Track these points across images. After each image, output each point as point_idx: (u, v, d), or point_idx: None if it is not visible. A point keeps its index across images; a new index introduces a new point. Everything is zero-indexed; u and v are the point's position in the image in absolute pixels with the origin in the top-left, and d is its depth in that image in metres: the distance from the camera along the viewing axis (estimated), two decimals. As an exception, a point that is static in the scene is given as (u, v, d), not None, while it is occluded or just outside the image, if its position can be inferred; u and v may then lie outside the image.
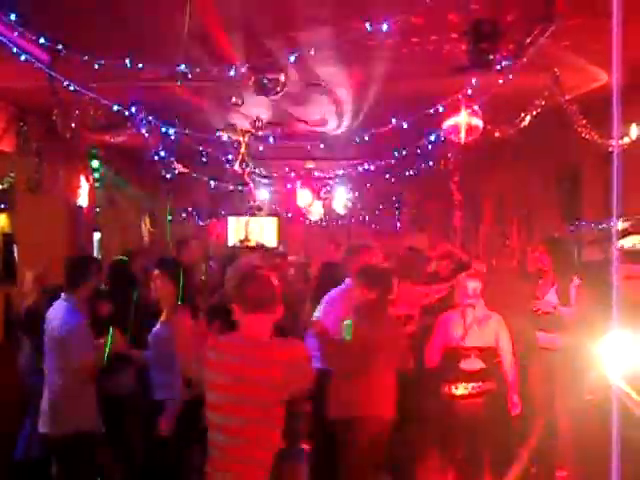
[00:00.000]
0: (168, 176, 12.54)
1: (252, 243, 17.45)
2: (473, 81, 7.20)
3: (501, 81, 7.10)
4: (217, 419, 3.78)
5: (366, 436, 5.45)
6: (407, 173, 13.84)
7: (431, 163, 12.62)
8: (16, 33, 5.77)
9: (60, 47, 6.04)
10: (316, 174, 15.93)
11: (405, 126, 8.45)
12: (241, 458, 3.72)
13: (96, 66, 6.24)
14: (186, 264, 6.52)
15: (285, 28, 6.51)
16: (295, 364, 3.85)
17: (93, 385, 5.71)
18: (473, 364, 6.29)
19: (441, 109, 7.86)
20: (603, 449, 2.41)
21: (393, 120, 8.50)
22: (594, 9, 5.69)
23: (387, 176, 14.78)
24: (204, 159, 11.97)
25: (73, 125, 8.03)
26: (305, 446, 7.12)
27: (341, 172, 15.10)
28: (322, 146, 11.64)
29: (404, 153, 10.77)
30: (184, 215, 17.50)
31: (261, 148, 11.17)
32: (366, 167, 13.07)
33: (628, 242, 8.28)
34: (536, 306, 7.07)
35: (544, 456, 6.67)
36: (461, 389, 6.30)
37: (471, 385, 6.27)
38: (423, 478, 7.05)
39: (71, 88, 6.84)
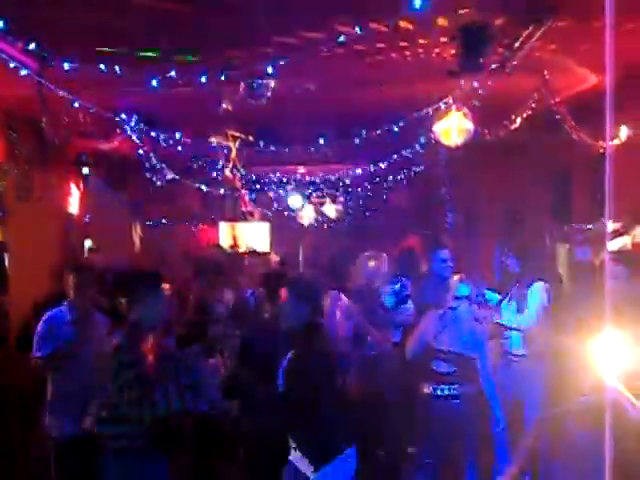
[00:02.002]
0: (159, 182, 12.52)
1: (242, 249, 17.42)
2: (463, 84, 7.22)
3: (491, 84, 7.12)
4: None
5: None
6: (398, 176, 13.85)
7: (422, 166, 12.63)
8: (4, 41, 5.76)
9: (48, 54, 6.04)
10: (307, 178, 15.95)
11: (396, 130, 8.47)
12: None
13: (85, 73, 6.24)
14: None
15: (274, 32, 6.51)
16: None
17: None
18: (443, 366, 6.26)
19: (432, 112, 7.88)
20: (596, 448, 2.42)
21: (384, 124, 8.52)
22: (583, 12, 5.72)
23: (378, 179, 14.79)
24: (195, 165, 11.95)
25: (62, 132, 8.02)
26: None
27: (332, 176, 15.11)
28: (313, 150, 11.62)
29: (395, 156, 10.79)
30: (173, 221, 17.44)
31: (252, 153, 11.15)
32: (357, 171, 13.09)
33: (618, 243, 8.31)
34: None
35: (538, 457, 6.68)
36: (437, 390, 6.28)
37: (445, 387, 6.26)
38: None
39: (60, 95, 6.83)
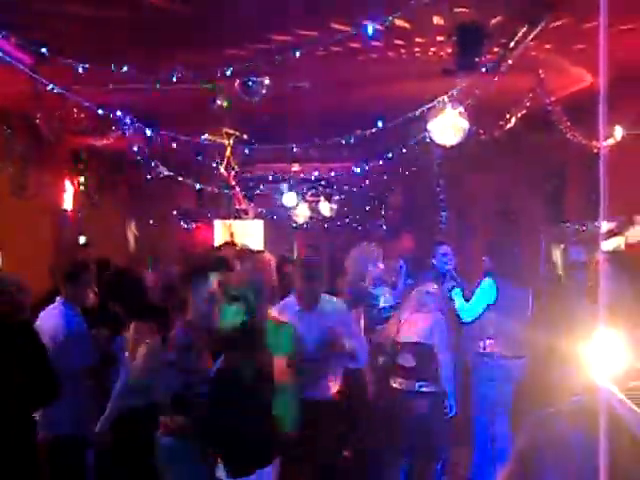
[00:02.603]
0: (153, 180, 12.49)
1: (238, 246, 17.35)
2: (459, 83, 7.21)
3: (486, 83, 7.13)
4: None
5: None
6: (393, 175, 13.85)
7: (417, 165, 12.62)
8: (-1, 36, 5.75)
9: (44, 50, 6.01)
10: (302, 176, 15.94)
11: (391, 128, 8.46)
12: None
13: (80, 69, 6.21)
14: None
15: (269, 31, 6.51)
16: None
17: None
18: (406, 360, 6.36)
19: (427, 111, 7.87)
20: (590, 450, 2.42)
21: (379, 122, 8.50)
22: (578, 12, 5.72)
23: (373, 178, 14.80)
24: (190, 163, 11.93)
25: (57, 128, 7.99)
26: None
27: (327, 175, 15.10)
28: (308, 148, 11.59)
29: (390, 155, 10.78)
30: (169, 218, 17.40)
31: (247, 151, 11.12)
32: (352, 170, 13.06)
33: (612, 243, 8.32)
34: None
35: (527, 458, 6.68)
36: (398, 383, 6.38)
37: (408, 382, 6.34)
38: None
39: (55, 91, 6.80)
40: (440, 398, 6.39)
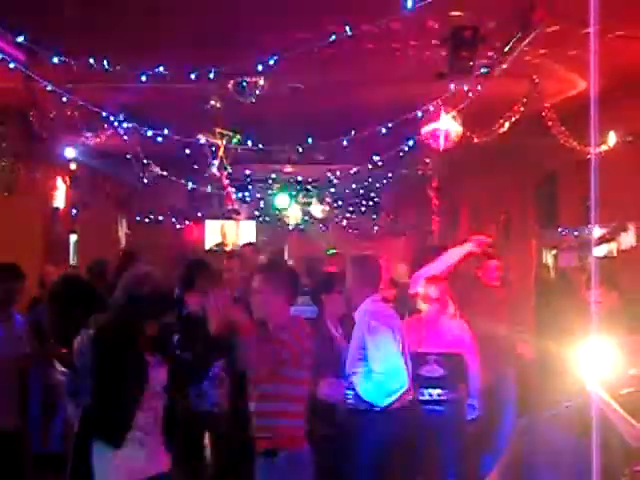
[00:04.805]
0: (145, 179, 12.45)
1: (229, 247, 17.37)
2: (452, 87, 7.21)
3: (480, 87, 7.13)
4: None
5: None
6: (386, 178, 13.86)
7: (410, 168, 12.63)
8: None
9: (37, 47, 5.99)
10: (294, 178, 15.92)
11: (384, 132, 8.44)
12: None
13: (73, 67, 6.19)
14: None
15: (264, 32, 6.49)
16: None
17: None
18: (432, 371, 6.11)
19: (420, 115, 7.86)
20: (581, 455, 2.41)
21: (373, 125, 8.49)
22: (572, 17, 5.72)
23: (366, 181, 14.80)
24: (182, 162, 11.89)
25: (49, 125, 7.96)
26: None
27: (320, 176, 15.09)
28: (301, 150, 11.55)
29: (383, 158, 10.77)
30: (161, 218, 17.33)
31: (239, 151, 11.08)
32: (345, 172, 13.07)
33: (603, 249, 8.33)
34: None
35: (519, 461, 6.66)
36: (425, 395, 6.12)
37: (434, 392, 6.10)
38: None
39: (48, 88, 6.77)
40: (460, 408, 6.21)
